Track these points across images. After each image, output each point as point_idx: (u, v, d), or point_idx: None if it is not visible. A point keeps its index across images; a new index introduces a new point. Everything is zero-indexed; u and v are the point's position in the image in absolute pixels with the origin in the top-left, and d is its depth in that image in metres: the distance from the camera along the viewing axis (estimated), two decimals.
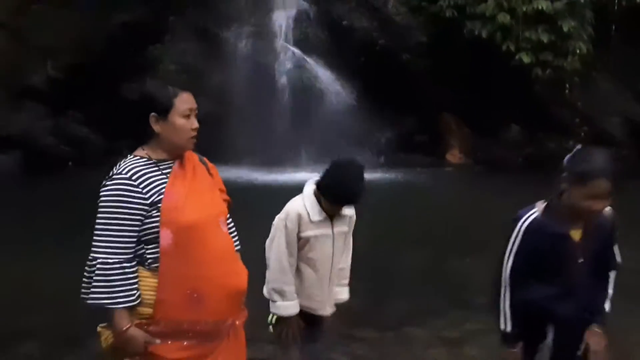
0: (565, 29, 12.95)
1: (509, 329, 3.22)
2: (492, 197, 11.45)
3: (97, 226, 2.87)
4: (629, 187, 11.80)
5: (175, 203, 2.92)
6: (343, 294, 3.95)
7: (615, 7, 13.58)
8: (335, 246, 3.79)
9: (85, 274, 2.90)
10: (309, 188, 3.68)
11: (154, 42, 13.76)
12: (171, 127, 2.95)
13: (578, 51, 13.11)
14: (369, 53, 14.04)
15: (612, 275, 3.23)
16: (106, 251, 2.83)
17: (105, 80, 12.90)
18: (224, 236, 3.10)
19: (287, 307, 3.67)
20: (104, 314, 2.92)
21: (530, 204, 3.26)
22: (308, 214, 3.67)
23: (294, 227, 3.62)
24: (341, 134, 13.00)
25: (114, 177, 2.89)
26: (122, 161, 2.99)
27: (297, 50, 13.91)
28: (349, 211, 3.82)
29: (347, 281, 3.95)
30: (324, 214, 3.68)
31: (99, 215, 2.88)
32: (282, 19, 14.02)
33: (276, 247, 3.64)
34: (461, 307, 6.22)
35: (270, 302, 3.66)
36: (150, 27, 13.62)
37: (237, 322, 3.10)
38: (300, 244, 3.68)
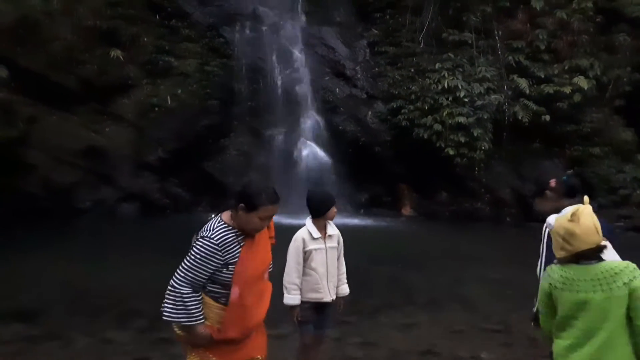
0: (475, 134, 13.00)
1: None
2: (429, 235, 11.85)
3: (184, 266, 2.63)
4: (513, 233, 12.71)
5: (244, 269, 2.71)
6: (345, 290, 3.94)
7: (505, 122, 13.73)
8: (328, 256, 3.78)
9: (167, 295, 2.64)
10: (308, 219, 3.80)
11: (224, 136, 13.81)
12: (248, 219, 2.69)
13: (483, 148, 13.11)
14: (355, 146, 14.13)
15: None
16: (186, 285, 2.61)
17: (193, 159, 13.19)
18: (264, 282, 2.91)
19: (287, 298, 3.68)
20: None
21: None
22: (310, 234, 3.72)
23: (301, 245, 3.70)
24: (337, 195, 13.22)
25: (208, 238, 2.65)
26: (215, 222, 2.72)
27: (311, 144, 13.97)
28: (333, 231, 3.85)
29: (345, 281, 3.95)
30: (319, 234, 3.74)
31: (190, 260, 2.63)
32: (303, 124, 14.13)
33: (290, 257, 3.71)
34: (411, 304, 6.30)
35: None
36: (222, 127, 13.76)
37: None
38: (305, 256, 3.71)
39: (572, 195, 3.04)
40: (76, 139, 12.17)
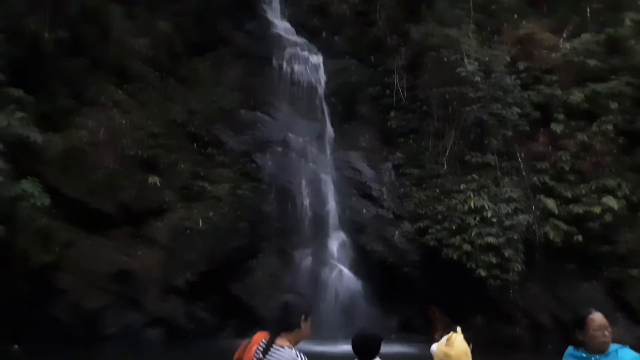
0: (506, 255, 12.66)
1: None
2: None
3: None
4: None
5: None
6: None
7: (537, 243, 13.45)
8: None
9: None
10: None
11: (252, 258, 13.75)
12: (308, 327, 2.97)
13: (516, 269, 12.73)
14: (382, 267, 13.92)
15: None
16: None
17: (220, 282, 13.08)
18: None
19: None
20: None
21: None
22: None
23: None
24: (366, 319, 12.16)
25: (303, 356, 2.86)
26: (288, 352, 2.83)
27: (339, 265, 13.83)
28: None
29: None
30: None
31: None
32: (330, 245, 14.17)
33: None
34: None
35: None
36: (250, 249, 13.81)
37: None
38: None
39: None
40: (108, 262, 12.32)
